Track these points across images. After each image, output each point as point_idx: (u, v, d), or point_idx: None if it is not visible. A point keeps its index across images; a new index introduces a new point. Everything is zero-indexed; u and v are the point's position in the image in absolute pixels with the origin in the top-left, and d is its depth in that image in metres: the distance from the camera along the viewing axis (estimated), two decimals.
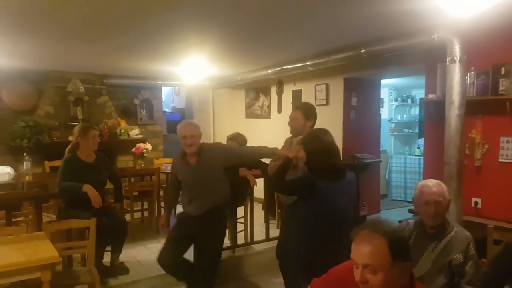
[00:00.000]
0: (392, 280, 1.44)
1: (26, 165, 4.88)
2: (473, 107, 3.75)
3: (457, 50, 3.56)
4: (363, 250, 1.45)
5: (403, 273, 1.46)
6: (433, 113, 4.31)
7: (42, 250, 2.76)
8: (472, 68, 3.78)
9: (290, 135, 3.48)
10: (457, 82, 3.58)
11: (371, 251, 1.43)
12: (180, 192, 3.46)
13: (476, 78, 3.81)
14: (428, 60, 4.40)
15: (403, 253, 1.47)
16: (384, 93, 7.74)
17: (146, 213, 5.59)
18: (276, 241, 4.51)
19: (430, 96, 4.30)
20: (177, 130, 3.26)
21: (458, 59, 3.56)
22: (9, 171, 4.81)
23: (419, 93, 8.35)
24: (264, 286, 4.13)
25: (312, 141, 2.80)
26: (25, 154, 4.96)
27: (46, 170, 5.75)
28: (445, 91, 3.71)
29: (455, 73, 3.59)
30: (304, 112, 3.41)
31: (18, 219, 3.97)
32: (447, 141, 3.66)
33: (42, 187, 4.34)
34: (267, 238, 4.59)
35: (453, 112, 3.60)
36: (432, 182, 2.32)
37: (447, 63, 3.64)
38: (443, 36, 3.63)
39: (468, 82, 3.76)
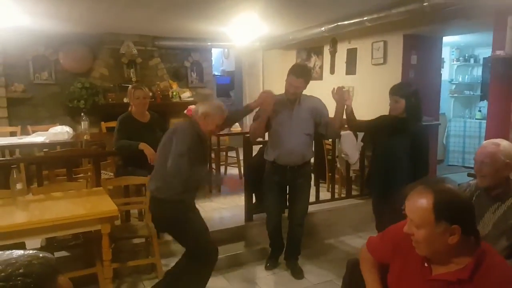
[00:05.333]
0: (436, 238, 1.44)
1: (84, 125, 5.04)
2: None
3: None
4: (410, 205, 1.49)
5: (451, 234, 1.42)
6: (501, 71, 3.99)
7: (102, 204, 2.88)
8: None
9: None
10: None
11: (415, 207, 1.47)
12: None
13: None
14: (497, 14, 4.03)
15: (450, 214, 1.41)
16: (445, 52, 7.22)
17: None
18: (326, 203, 4.56)
19: (498, 52, 3.96)
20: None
21: None
22: (68, 131, 4.99)
23: (483, 52, 7.78)
24: (317, 247, 4.15)
25: (407, 86, 3.16)
26: (82, 114, 5.14)
27: (103, 130, 5.96)
28: None
29: None
30: None
31: (78, 176, 4.17)
32: None
33: (100, 145, 4.50)
34: (317, 201, 4.54)
35: None
36: (492, 142, 2.18)
37: None
38: None
39: None
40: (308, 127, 3.30)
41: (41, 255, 0.86)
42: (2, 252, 0.85)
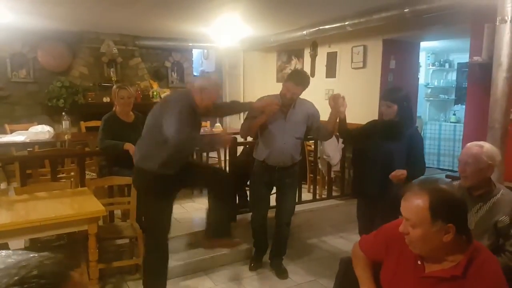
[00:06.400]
0: (432, 237, 1.48)
1: (65, 124, 4.97)
2: None
3: (508, 10, 3.36)
4: (406, 205, 1.53)
5: (445, 233, 1.47)
6: (477, 76, 4.15)
7: (89, 205, 2.86)
8: None
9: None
10: (506, 43, 3.40)
11: (412, 207, 1.50)
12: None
13: None
14: (474, 21, 4.19)
15: (445, 214, 1.47)
16: (421, 57, 7.45)
17: None
18: (308, 204, 4.62)
19: (475, 58, 4.12)
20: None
21: (509, 19, 3.37)
22: (49, 130, 4.92)
23: (457, 58, 8.05)
24: (300, 247, 4.20)
25: (399, 91, 3.08)
26: (63, 113, 5.05)
27: (82, 130, 5.87)
28: (492, 53, 3.54)
29: (505, 33, 3.40)
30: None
31: (60, 175, 4.10)
32: (492, 105, 3.52)
33: (82, 145, 4.43)
34: (299, 201, 4.60)
35: (501, 75, 3.45)
36: (476, 144, 2.29)
37: (497, 23, 3.45)
38: None
39: None
40: (299, 130, 3.37)
41: (49, 254, 0.84)
42: (4, 254, 0.83)
